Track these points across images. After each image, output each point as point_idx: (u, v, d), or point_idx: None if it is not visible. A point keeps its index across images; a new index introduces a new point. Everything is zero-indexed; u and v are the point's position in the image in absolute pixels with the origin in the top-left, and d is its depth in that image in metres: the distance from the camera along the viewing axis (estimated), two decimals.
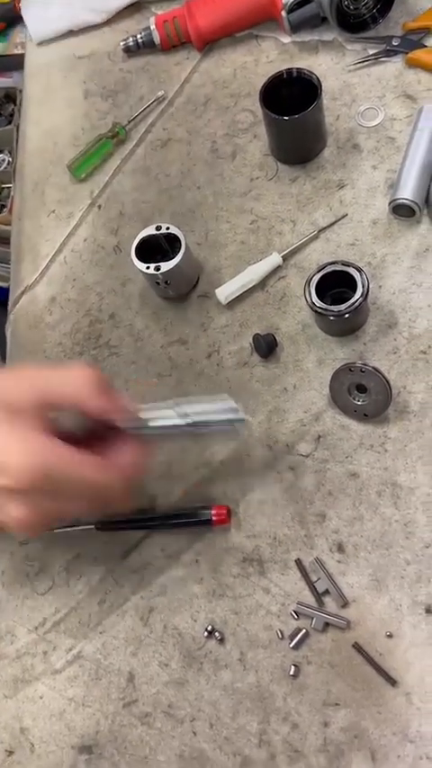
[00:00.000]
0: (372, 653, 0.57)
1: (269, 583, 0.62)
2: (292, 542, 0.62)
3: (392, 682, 0.56)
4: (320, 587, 0.60)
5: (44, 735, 0.63)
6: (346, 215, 0.71)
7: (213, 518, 0.63)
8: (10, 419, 0.50)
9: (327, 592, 0.60)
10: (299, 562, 0.61)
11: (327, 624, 0.59)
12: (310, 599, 0.60)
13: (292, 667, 0.59)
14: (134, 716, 0.61)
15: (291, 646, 0.59)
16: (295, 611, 0.60)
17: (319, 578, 0.60)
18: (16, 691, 0.65)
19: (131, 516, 0.66)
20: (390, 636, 0.58)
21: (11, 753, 0.63)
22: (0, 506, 0.51)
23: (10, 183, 1.15)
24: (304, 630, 0.59)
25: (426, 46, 0.74)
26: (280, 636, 0.60)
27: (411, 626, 0.57)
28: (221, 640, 0.61)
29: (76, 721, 0.63)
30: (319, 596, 0.60)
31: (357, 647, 0.58)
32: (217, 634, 0.62)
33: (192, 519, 0.65)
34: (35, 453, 0.49)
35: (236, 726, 0.59)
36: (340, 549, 0.61)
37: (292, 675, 0.59)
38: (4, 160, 1.18)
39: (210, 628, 0.62)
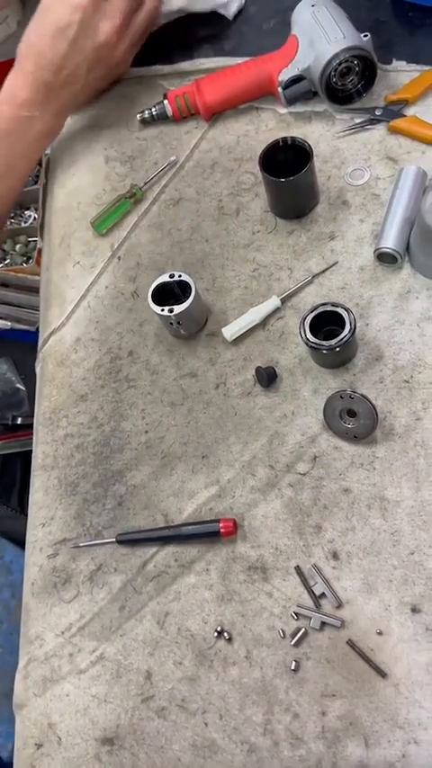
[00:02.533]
0: (364, 649, 0.62)
1: (272, 588, 0.66)
2: (292, 551, 0.67)
3: (383, 674, 0.60)
4: (317, 591, 0.64)
5: (70, 729, 0.67)
6: (337, 262, 0.75)
7: (221, 530, 0.67)
8: None
9: (323, 595, 0.64)
10: (298, 569, 0.66)
11: (323, 624, 0.63)
12: (308, 601, 0.64)
13: (293, 663, 0.63)
14: (151, 710, 0.66)
15: (292, 644, 0.63)
16: (295, 613, 0.64)
17: (316, 583, 0.64)
18: (45, 690, 0.70)
19: (148, 532, 0.71)
20: (380, 633, 0.62)
21: (40, 746, 0.68)
22: (89, 30, 0.79)
23: (36, 236, 1.23)
24: (303, 630, 0.63)
25: (405, 115, 0.78)
26: (282, 635, 0.64)
27: (399, 624, 0.61)
28: (230, 640, 0.66)
29: (98, 716, 0.67)
30: (316, 599, 0.64)
31: (351, 644, 0.62)
32: (225, 634, 0.66)
33: (202, 531, 0.68)
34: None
35: (243, 717, 0.63)
36: (335, 556, 0.65)
37: (293, 670, 0.63)
38: (30, 216, 1.26)
39: (219, 629, 0.66)
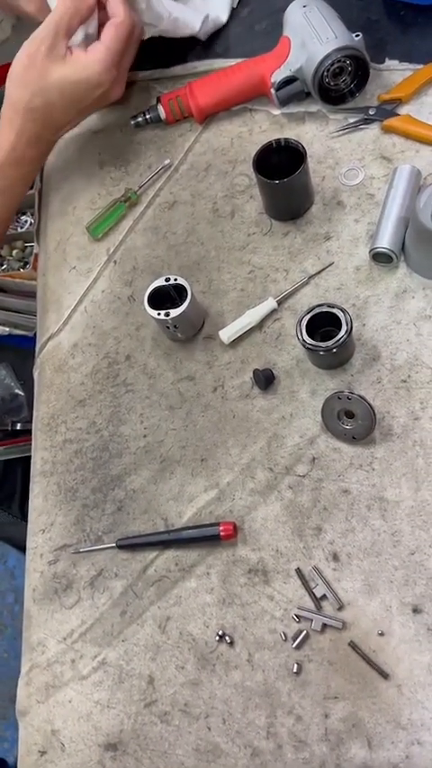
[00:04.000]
0: (366, 650, 0.61)
1: (273, 591, 0.66)
2: (293, 554, 0.66)
3: (385, 675, 0.60)
4: (318, 593, 0.64)
5: (73, 735, 0.67)
6: (333, 263, 0.75)
7: (221, 534, 0.67)
8: (62, 55, 0.76)
9: (324, 597, 0.64)
10: (299, 571, 0.66)
11: (325, 626, 0.63)
12: (309, 604, 0.64)
13: (295, 665, 0.63)
14: (154, 715, 0.66)
15: (293, 646, 0.63)
16: (296, 615, 0.64)
17: (317, 585, 0.64)
18: (48, 696, 0.70)
19: (148, 537, 0.71)
20: (381, 634, 0.61)
21: (44, 753, 0.68)
22: (105, 100, 0.81)
23: (32, 241, 1.23)
24: (305, 632, 0.63)
25: (398, 114, 0.78)
26: (283, 638, 0.64)
27: (400, 625, 0.61)
28: (231, 644, 0.65)
29: (101, 722, 0.67)
30: (317, 601, 0.64)
31: (353, 646, 0.62)
32: (227, 638, 0.65)
33: (202, 535, 0.68)
34: (101, 59, 0.77)
35: (246, 720, 0.63)
36: (335, 558, 0.65)
37: (295, 673, 0.63)
38: (26, 221, 1.26)
39: (221, 633, 0.66)
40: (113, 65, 0.79)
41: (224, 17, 0.93)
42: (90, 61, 0.77)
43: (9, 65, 0.82)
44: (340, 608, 0.64)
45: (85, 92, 0.79)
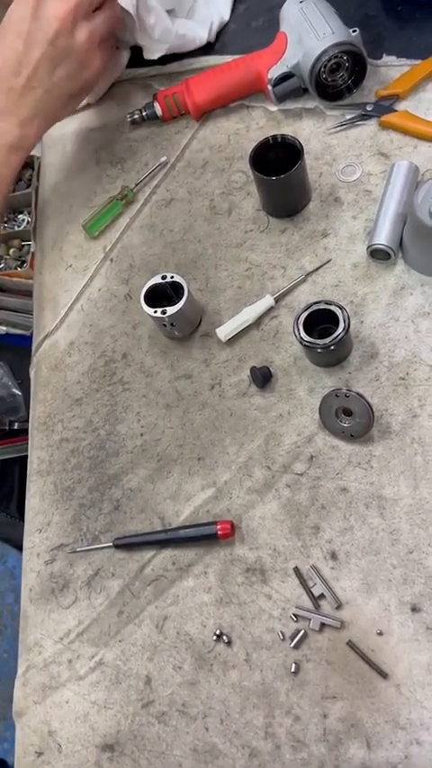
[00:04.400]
0: (364, 649, 0.61)
1: (270, 590, 0.66)
2: (291, 552, 0.66)
3: (384, 675, 0.60)
4: (316, 592, 0.64)
5: (70, 736, 0.67)
6: (330, 260, 0.75)
7: (219, 533, 0.67)
8: None
9: (322, 596, 0.63)
10: (297, 570, 0.65)
11: (323, 625, 0.63)
12: (307, 603, 0.64)
13: (293, 665, 0.62)
14: (151, 715, 0.65)
15: (291, 646, 0.63)
16: (294, 615, 0.64)
17: (315, 584, 0.64)
18: (44, 697, 0.69)
19: (145, 536, 0.71)
20: (380, 633, 0.61)
21: (40, 754, 0.68)
22: (45, 23, 0.74)
23: (29, 240, 1.23)
24: (303, 631, 0.63)
25: (396, 110, 0.78)
26: (281, 637, 0.64)
27: (399, 624, 0.61)
28: (229, 643, 0.65)
29: (99, 722, 0.67)
30: (315, 600, 0.64)
31: (351, 645, 0.61)
32: (225, 638, 0.65)
33: (199, 534, 0.68)
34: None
35: (244, 720, 0.63)
36: (333, 556, 0.65)
37: (293, 673, 0.62)
38: (24, 220, 1.25)
39: (218, 632, 0.65)
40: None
41: (227, 15, 0.93)
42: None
43: None
44: (338, 607, 0.63)
45: (14, 8, 0.75)
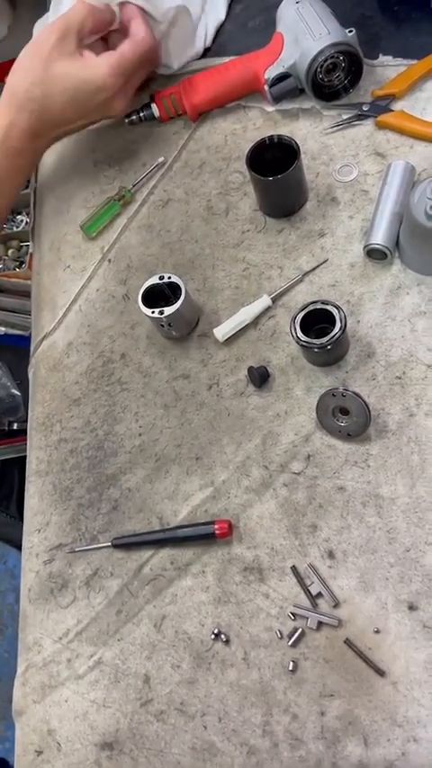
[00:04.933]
0: (361, 647, 0.61)
1: (268, 588, 0.66)
2: (288, 551, 0.66)
3: (381, 673, 0.60)
4: (314, 590, 0.64)
5: (69, 735, 0.67)
6: (327, 260, 0.75)
7: (217, 532, 0.67)
8: (71, 52, 0.76)
9: (320, 594, 0.64)
10: (294, 569, 0.65)
11: (321, 623, 0.63)
12: (305, 601, 0.64)
13: (291, 663, 0.62)
14: (150, 714, 0.66)
15: (289, 644, 0.63)
16: (292, 613, 0.64)
17: (312, 582, 0.64)
18: (44, 696, 0.70)
19: (143, 536, 0.71)
20: (377, 632, 0.61)
21: (40, 752, 0.68)
22: (106, 110, 0.80)
23: (28, 241, 1.23)
24: (301, 630, 0.63)
25: (392, 110, 0.78)
26: (279, 636, 0.64)
27: (396, 622, 0.61)
28: (227, 642, 0.65)
29: (98, 721, 0.67)
30: (313, 599, 0.64)
31: (348, 643, 0.62)
32: (223, 636, 0.65)
33: (197, 534, 0.68)
34: (111, 63, 0.76)
35: (242, 719, 0.63)
36: (331, 555, 0.65)
37: (291, 671, 0.62)
38: (22, 221, 1.26)
39: (216, 631, 0.66)
40: (121, 73, 0.77)
41: (223, 15, 0.93)
42: (98, 63, 0.76)
43: (6, 63, 0.82)
44: (336, 605, 0.63)
45: (87, 92, 0.77)
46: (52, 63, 0.75)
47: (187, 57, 0.91)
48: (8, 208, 0.83)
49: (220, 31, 0.93)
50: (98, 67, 0.76)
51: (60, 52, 0.75)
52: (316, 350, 0.66)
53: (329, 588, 0.64)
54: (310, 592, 0.64)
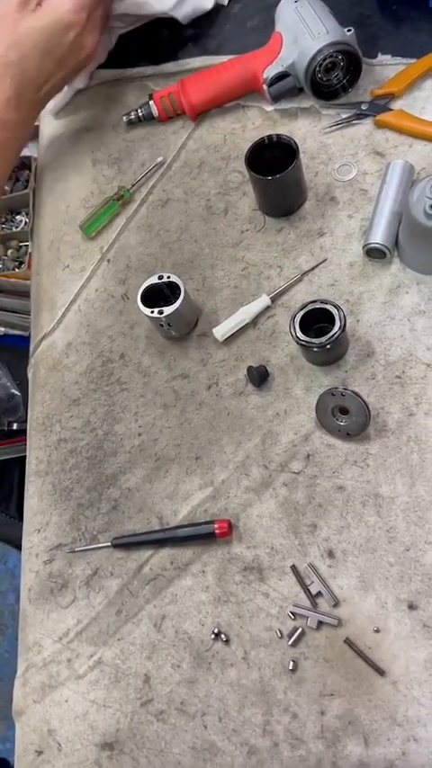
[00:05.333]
0: (361, 647, 0.61)
1: (268, 588, 0.66)
2: (288, 551, 0.66)
3: (381, 672, 0.60)
4: (314, 590, 0.64)
5: (70, 735, 0.67)
6: (326, 259, 0.75)
7: (216, 531, 0.67)
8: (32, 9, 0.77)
9: (320, 594, 0.64)
10: (294, 568, 0.66)
11: (320, 623, 0.63)
12: (305, 601, 0.64)
13: (291, 663, 0.62)
14: (150, 714, 0.66)
15: (289, 644, 0.63)
16: (292, 613, 0.64)
17: (312, 582, 0.64)
18: (44, 696, 0.70)
19: (143, 536, 0.71)
20: (377, 631, 0.61)
21: (40, 753, 0.68)
22: (79, 50, 0.80)
23: (27, 241, 1.23)
24: (301, 629, 0.63)
25: (391, 109, 0.78)
26: (279, 635, 0.64)
27: (396, 621, 0.61)
28: (227, 642, 0.65)
29: (98, 721, 0.67)
30: (312, 598, 0.64)
31: (348, 642, 0.62)
32: (223, 636, 0.65)
33: (197, 533, 0.68)
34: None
35: (242, 718, 0.63)
36: (330, 554, 0.65)
37: (291, 670, 0.62)
38: (21, 221, 1.26)
39: (216, 631, 0.66)
40: (83, 6, 0.78)
41: (208, 4, 0.92)
42: (59, 3, 0.77)
43: None
44: (336, 605, 0.63)
45: (57, 34, 0.78)
46: (19, 24, 0.76)
47: (193, 9, 0.91)
48: (2, 180, 0.82)
49: (218, 30, 0.93)
50: (60, 6, 0.77)
51: (23, 13, 0.77)
52: (315, 349, 0.66)
53: (329, 587, 0.64)
54: (309, 591, 0.64)
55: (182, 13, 0.91)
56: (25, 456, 0.83)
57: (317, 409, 0.68)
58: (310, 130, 0.82)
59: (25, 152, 1.28)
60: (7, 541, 1.39)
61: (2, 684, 1.76)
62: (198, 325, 0.78)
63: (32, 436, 0.82)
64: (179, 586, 0.69)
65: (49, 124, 1.01)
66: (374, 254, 0.73)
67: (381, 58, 0.82)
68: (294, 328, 0.67)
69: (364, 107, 0.80)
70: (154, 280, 0.73)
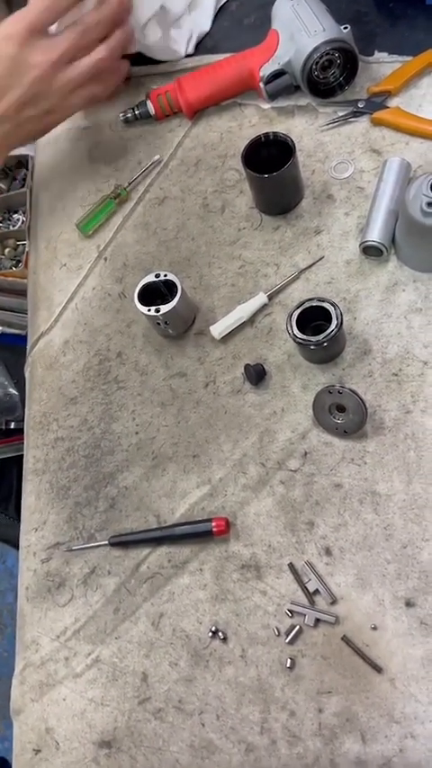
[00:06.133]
0: (359, 644, 0.61)
1: (266, 586, 0.66)
2: (285, 549, 0.66)
3: (378, 669, 0.60)
4: (311, 588, 0.64)
5: (67, 733, 0.67)
6: (323, 257, 0.75)
7: (214, 529, 0.67)
8: None
9: (317, 591, 0.64)
10: (291, 566, 0.66)
11: (318, 620, 0.63)
12: (302, 598, 0.64)
13: (289, 661, 0.63)
14: (148, 712, 0.66)
15: (286, 641, 0.63)
16: (290, 610, 0.64)
17: (309, 580, 0.64)
18: (41, 694, 0.70)
19: (141, 534, 0.71)
20: (374, 628, 0.62)
21: (38, 751, 0.68)
22: (25, 68, 0.73)
23: (25, 240, 1.22)
24: (298, 627, 0.63)
25: (388, 107, 0.78)
26: (277, 633, 0.64)
27: (393, 618, 0.61)
28: (225, 640, 0.65)
29: (96, 719, 0.67)
30: (310, 596, 0.64)
31: (346, 640, 0.62)
32: (220, 634, 0.65)
33: (194, 531, 0.68)
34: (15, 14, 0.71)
35: (240, 716, 0.63)
36: (328, 552, 0.65)
37: (288, 668, 0.63)
38: (19, 219, 1.25)
39: (214, 629, 0.66)
40: (22, 18, 0.73)
41: (207, 26, 0.93)
42: (4, 19, 0.74)
43: None
44: (333, 602, 0.64)
45: None
46: None
47: (166, 53, 0.91)
48: None
49: (215, 28, 0.93)
50: (2, 21, 0.74)
51: None
52: (312, 347, 0.66)
53: (326, 585, 0.64)
54: (307, 589, 0.64)
55: (191, 46, 0.92)
56: (23, 455, 0.83)
57: (314, 407, 0.68)
58: (307, 128, 0.82)
59: (23, 151, 1.27)
60: (6, 541, 1.39)
61: (1, 683, 1.76)
62: (195, 324, 0.78)
63: (30, 435, 0.82)
64: (177, 584, 0.69)
65: None
66: (371, 251, 0.73)
67: (377, 55, 0.82)
68: (291, 326, 0.67)
69: (360, 105, 0.80)
70: (151, 278, 0.73)
